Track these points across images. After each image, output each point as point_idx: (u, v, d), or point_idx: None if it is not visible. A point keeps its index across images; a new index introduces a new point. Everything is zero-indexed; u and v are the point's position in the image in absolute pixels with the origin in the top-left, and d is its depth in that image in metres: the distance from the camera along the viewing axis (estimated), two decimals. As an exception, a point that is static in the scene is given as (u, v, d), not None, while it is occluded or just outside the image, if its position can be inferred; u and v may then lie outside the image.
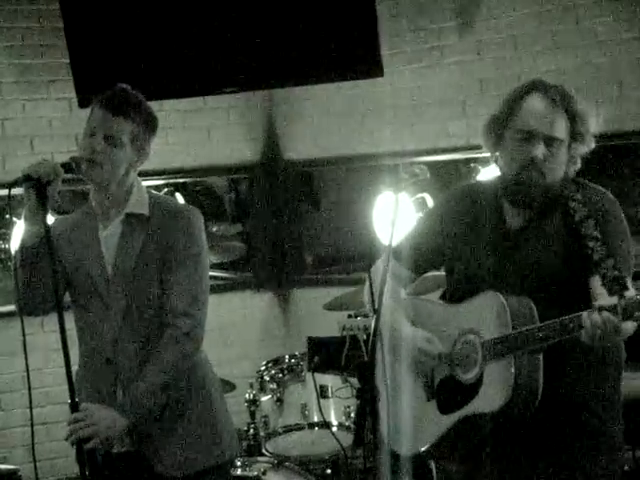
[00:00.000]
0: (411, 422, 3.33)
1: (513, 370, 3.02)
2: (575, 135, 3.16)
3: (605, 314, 2.83)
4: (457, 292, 3.32)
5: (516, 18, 6.03)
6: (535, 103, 3.15)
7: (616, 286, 2.86)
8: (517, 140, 3.15)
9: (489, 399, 3.09)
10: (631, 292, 2.90)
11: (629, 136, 5.79)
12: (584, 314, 2.88)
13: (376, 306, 3.07)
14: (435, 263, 3.46)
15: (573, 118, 3.15)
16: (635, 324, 2.90)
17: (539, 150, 3.11)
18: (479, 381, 3.13)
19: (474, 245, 3.27)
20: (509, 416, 3.07)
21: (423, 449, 3.30)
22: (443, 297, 3.43)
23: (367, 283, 3.39)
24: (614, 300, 2.84)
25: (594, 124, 3.22)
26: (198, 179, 7.15)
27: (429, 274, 3.57)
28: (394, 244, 3.26)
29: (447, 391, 3.26)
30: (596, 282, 2.98)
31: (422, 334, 3.32)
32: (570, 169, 3.20)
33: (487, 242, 3.25)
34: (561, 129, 3.13)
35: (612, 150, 5.79)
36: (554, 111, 3.13)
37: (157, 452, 3.41)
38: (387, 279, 3.09)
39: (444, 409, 3.26)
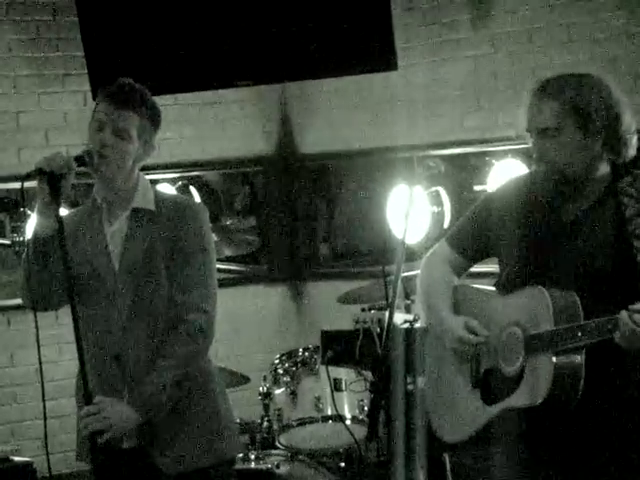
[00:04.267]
0: (454, 410, 3.31)
1: (553, 366, 2.99)
2: (580, 119, 3.09)
3: (638, 317, 2.81)
4: (507, 282, 3.28)
5: (531, 11, 6.01)
6: (529, 102, 3.17)
7: None
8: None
9: (529, 393, 3.06)
10: None
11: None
12: (619, 316, 2.86)
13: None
14: (487, 252, 3.41)
15: (570, 103, 3.10)
16: None
17: (535, 145, 3.14)
18: (521, 374, 3.11)
19: (525, 236, 3.24)
20: (549, 412, 3.05)
21: (464, 438, 3.28)
22: (497, 285, 3.38)
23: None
24: None
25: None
26: (213, 172, 7.16)
27: None
28: (450, 230, 3.30)
29: (491, 381, 3.24)
30: None
31: (463, 322, 3.29)
32: (603, 157, 3.13)
33: (537, 234, 3.22)
34: (547, 117, 3.11)
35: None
36: (540, 102, 3.13)
37: (159, 448, 3.39)
38: (437, 267, 3.25)
39: (487, 399, 3.23)
